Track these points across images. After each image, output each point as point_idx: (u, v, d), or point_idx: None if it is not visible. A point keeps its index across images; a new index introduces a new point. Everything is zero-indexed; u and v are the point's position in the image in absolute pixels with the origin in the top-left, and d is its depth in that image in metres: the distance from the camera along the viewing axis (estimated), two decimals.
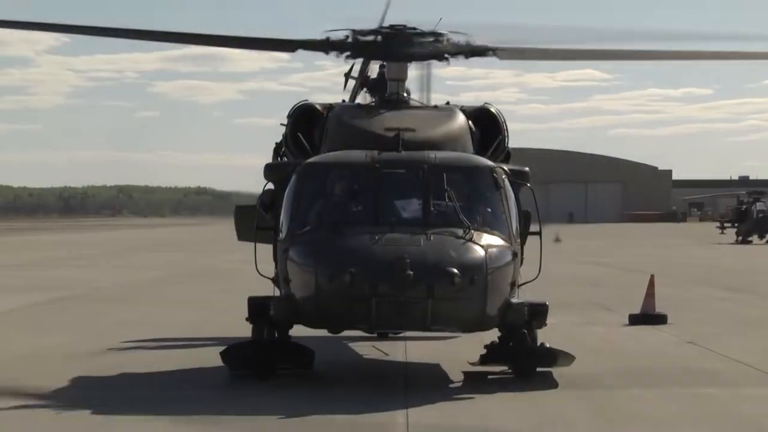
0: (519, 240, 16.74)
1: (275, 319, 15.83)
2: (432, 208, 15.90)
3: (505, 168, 17.16)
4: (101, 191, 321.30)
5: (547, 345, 16.76)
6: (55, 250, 67.77)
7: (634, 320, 25.00)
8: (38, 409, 14.65)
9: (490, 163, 16.82)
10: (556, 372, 16.43)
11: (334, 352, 19.12)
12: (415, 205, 16.03)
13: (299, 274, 15.32)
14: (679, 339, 22.58)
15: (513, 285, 16.06)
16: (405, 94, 18.63)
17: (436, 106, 18.74)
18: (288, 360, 16.70)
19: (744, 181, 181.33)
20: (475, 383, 16.02)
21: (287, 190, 16.45)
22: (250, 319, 16.19)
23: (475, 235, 15.46)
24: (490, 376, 16.26)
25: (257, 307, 15.97)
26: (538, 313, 16.35)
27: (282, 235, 16.10)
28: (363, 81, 23.20)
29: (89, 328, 24.46)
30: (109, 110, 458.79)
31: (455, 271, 14.53)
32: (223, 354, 16.35)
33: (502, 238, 15.93)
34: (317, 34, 17.81)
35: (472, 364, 16.80)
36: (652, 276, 26.32)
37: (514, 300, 15.96)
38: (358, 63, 22.89)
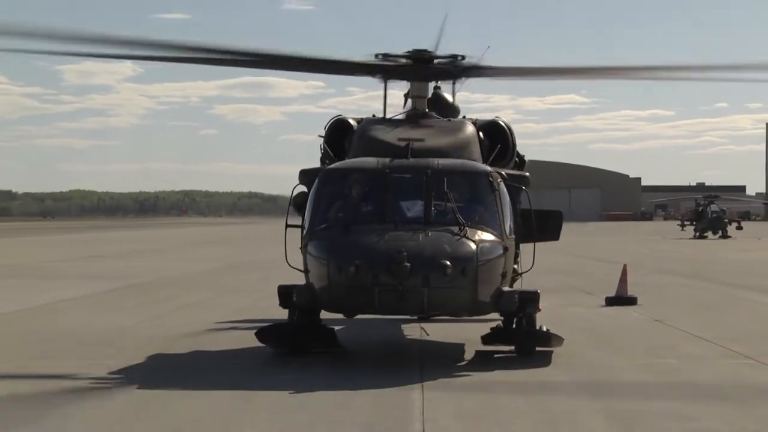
0: (513, 236, 16.38)
1: (298, 305, 15.64)
2: (432, 209, 15.56)
3: (503, 173, 16.73)
4: (170, 195, 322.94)
5: (545, 328, 16.45)
6: (130, 245, 67.94)
7: (610, 302, 25.10)
8: (117, 380, 14.61)
9: (487, 168, 16.41)
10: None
11: (363, 333, 18.98)
12: (418, 205, 15.68)
13: (315, 266, 15.15)
14: (647, 317, 22.54)
15: (504, 276, 15.65)
16: (427, 110, 18.28)
17: (450, 120, 18.37)
18: (317, 340, 16.44)
19: (701, 187, 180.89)
20: (484, 360, 15.84)
21: (311, 192, 16.35)
22: (282, 305, 16.01)
23: (469, 232, 15.08)
24: (496, 355, 15.98)
25: (285, 295, 15.81)
26: (530, 300, 15.91)
27: (304, 232, 15.98)
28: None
29: (158, 310, 24.39)
30: (176, 129, 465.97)
31: (448, 263, 14.30)
32: (257, 333, 16.24)
33: (494, 235, 15.47)
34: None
35: (484, 343, 16.53)
36: (625, 265, 26.43)
37: (505, 288, 15.65)
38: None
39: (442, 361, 15.74)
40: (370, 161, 16.38)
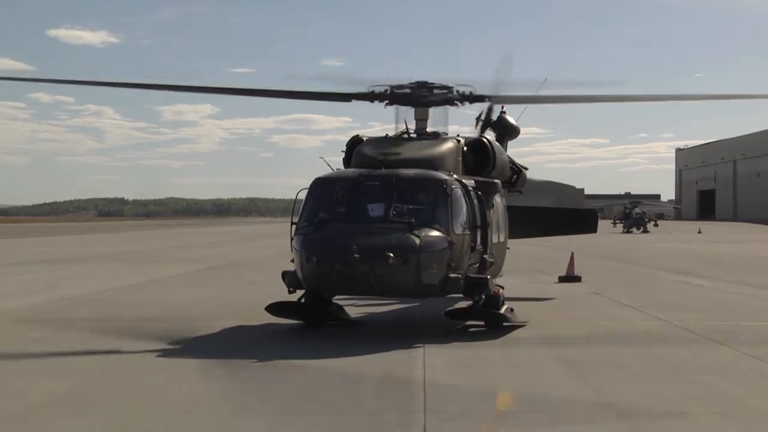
0: (468, 232, 14.66)
1: (288, 285, 14.70)
2: (392, 210, 14.17)
3: (465, 180, 15.26)
4: (238, 201, 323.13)
5: (510, 309, 15.64)
6: (209, 237, 67.98)
7: (561, 279, 25.13)
8: (202, 332, 14.74)
9: (442, 177, 14.75)
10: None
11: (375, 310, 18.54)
12: (381, 207, 14.29)
13: (296, 256, 14.21)
14: (588, 291, 22.44)
15: (449, 264, 14.01)
16: (427, 130, 16.73)
17: (437, 137, 16.58)
18: (326, 314, 15.68)
19: (627, 195, 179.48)
20: (467, 331, 15.19)
21: (305, 197, 15.23)
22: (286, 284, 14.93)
23: (417, 228, 13.79)
24: (471, 329, 15.16)
25: (283, 277, 14.93)
26: (477, 284, 14.63)
27: (294, 228, 14.89)
28: (486, 122, 20.85)
29: (230, 285, 24.48)
30: (243, 153, 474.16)
31: (391, 254, 13.24)
32: (266, 308, 15.54)
33: (440, 231, 13.96)
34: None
35: (448, 317, 15.55)
36: (572, 253, 26.37)
37: (452, 275, 14.02)
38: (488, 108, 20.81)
39: (439, 330, 15.17)
40: (350, 172, 15.34)
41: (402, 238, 13.61)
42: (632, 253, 41.17)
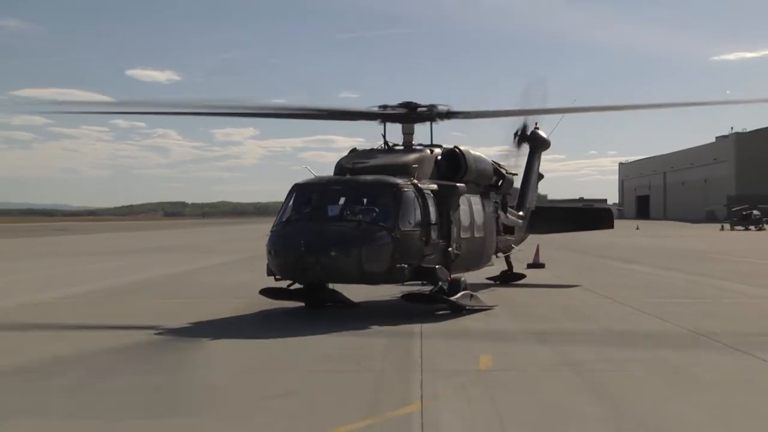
0: (419, 228, 13.44)
1: (267, 273, 13.71)
2: (347, 210, 13.14)
3: (422, 184, 13.92)
4: (275, 204, 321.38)
5: (470, 297, 14.25)
6: (250, 233, 67.85)
7: (529, 266, 24.63)
8: (242, 308, 14.62)
9: (395, 181, 13.60)
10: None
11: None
12: (338, 208, 13.26)
13: (267, 249, 13.41)
14: (550, 275, 22.25)
15: (394, 256, 12.92)
16: (413, 142, 15.61)
17: (413, 148, 15.34)
18: (329, 298, 14.65)
19: (581, 199, 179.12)
20: (460, 317, 14.01)
21: (284, 199, 14.26)
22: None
23: (364, 226, 12.88)
24: (438, 312, 13.85)
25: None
26: (428, 273, 13.57)
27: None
28: (521, 137, 20.67)
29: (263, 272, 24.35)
30: (278, 166, 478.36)
31: (333, 247, 12.51)
32: (260, 292, 14.47)
33: (386, 228, 12.92)
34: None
35: (404, 300, 14.20)
36: (538, 245, 26.21)
37: (397, 265, 13.00)
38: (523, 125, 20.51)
39: (434, 318, 13.79)
40: (321, 178, 14.26)
41: (347, 234, 12.75)
42: (585, 246, 40.93)
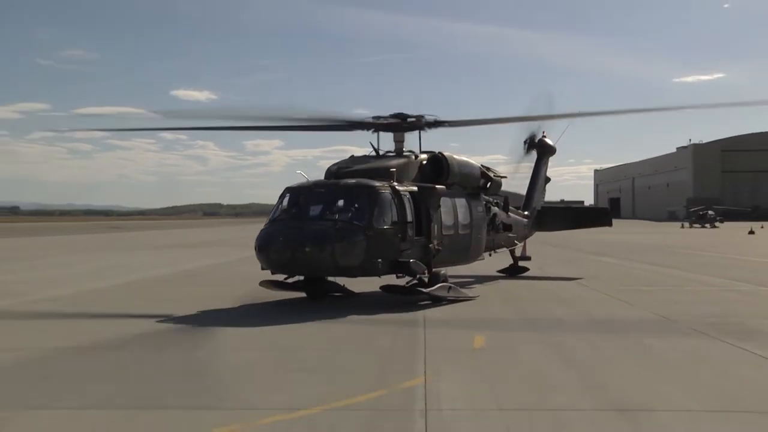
0: (392, 227, 12.73)
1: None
2: (327, 210, 12.59)
3: (400, 187, 13.20)
4: None
5: (448, 289, 13.58)
6: None
7: (517, 259, 24.39)
8: (263, 294, 14.37)
9: (372, 184, 12.93)
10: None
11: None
12: (319, 208, 12.68)
13: (254, 245, 12.80)
14: (535, 267, 22.03)
15: (367, 251, 12.32)
16: (403, 150, 14.78)
17: (399, 155, 14.56)
18: (332, 288, 14.11)
19: (562, 201, 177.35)
20: (457, 309, 13.85)
21: (277, 201, 13.55)
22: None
23: (339, 224, 12.29)
24: (421, 303, 13.10)
25: None
26: (404, 266, 12.85)
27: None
28: (530, 144, 19.96)
29: None
30: (297, 174, 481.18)
31: (307, 243, 12.00)
32: (260, 283, 13.81)
33: (359, 227, 12.31)
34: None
35: (383, 290, 13.45)
36: (525, 241, 25.90)
37: (372, 260, 12.40)
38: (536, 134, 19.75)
39: (435, 309, 13.32)
40: (309, 182, 13.60)
41: (322, 232, 12.17)
42: (564, 241, 40.81)
